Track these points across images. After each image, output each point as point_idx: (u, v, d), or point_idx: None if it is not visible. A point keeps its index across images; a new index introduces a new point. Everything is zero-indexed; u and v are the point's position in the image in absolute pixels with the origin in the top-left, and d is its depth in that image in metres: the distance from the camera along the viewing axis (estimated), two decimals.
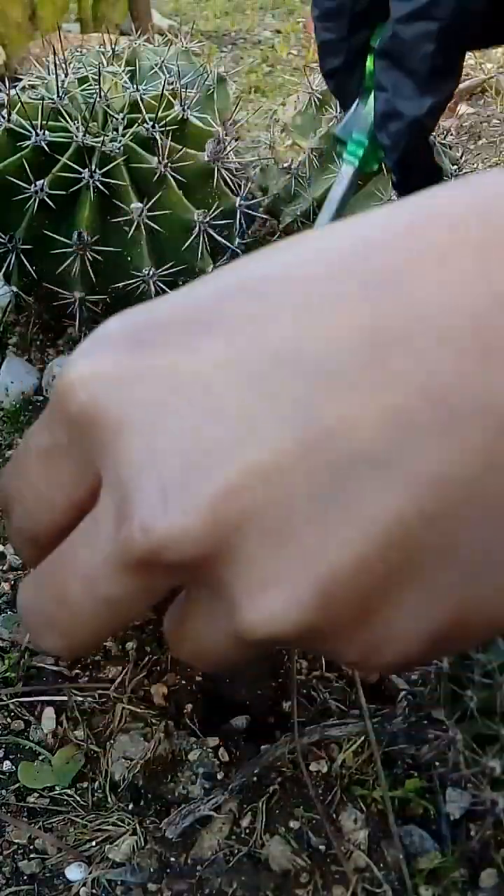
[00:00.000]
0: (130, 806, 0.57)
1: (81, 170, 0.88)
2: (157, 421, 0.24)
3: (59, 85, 0.92)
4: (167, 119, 0.93)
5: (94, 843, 0.55)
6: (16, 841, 0.56)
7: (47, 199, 0.89)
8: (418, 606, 0.26)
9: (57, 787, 0.59)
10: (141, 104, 0.93)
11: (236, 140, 1.02)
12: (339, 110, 1.02)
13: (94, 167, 0.89)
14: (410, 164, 0.65)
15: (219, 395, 0.24)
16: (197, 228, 0.95)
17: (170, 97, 0.94)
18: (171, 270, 0.94)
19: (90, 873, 0.53)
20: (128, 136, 0.91)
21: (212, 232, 0.97)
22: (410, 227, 0.24)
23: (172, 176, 0.92)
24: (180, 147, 0.93)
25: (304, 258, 0.26)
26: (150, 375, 0.25)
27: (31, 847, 0.56)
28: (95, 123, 0.92)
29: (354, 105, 0.70)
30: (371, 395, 0.23)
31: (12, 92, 0.94)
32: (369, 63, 0.68)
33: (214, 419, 0.24)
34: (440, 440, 0.22)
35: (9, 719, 0.63)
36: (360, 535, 0.23)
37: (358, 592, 0.26)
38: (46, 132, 0.89)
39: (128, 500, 0.25)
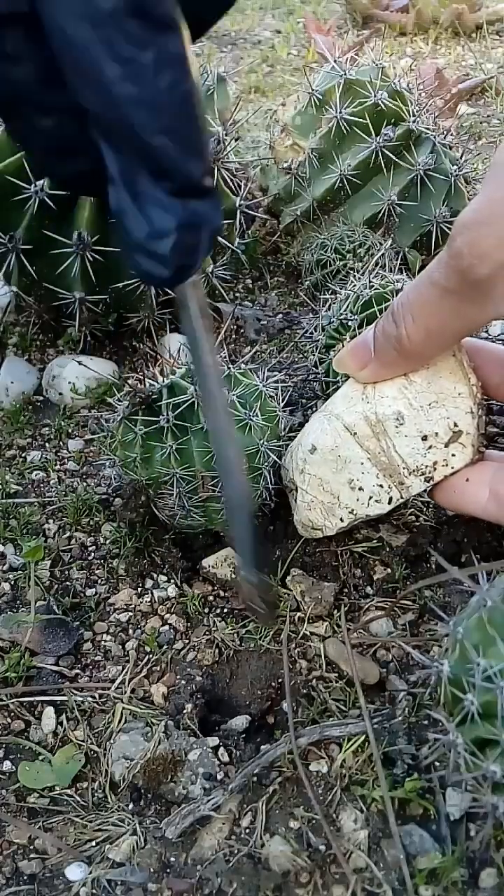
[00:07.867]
0: (130, 806, 0.57)
1: None
2: None
3: None
4: None
5: (94, 843, 0.55)
6: (16, 841, 0.56)
7: (47, 200, 0.88)
8: None
9: (57, 787, 0.59)
10: None
11: (236, 140, 1.02)
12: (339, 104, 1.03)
13: None
14: None
15: None
16: None
17: None
18: None
19: (90, 873, 0.53)
20: None
21: None
22: None
23: None
24: None
25: None
26: None
27: (31, 847, 0.56)
28: None
29: None
30: None
31: None
32: None
33: None
34: None
35: (9, 719, 0.63)
36: None
37: None
38: None
39: None
